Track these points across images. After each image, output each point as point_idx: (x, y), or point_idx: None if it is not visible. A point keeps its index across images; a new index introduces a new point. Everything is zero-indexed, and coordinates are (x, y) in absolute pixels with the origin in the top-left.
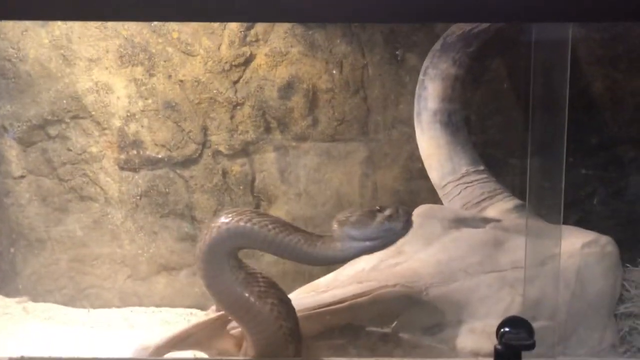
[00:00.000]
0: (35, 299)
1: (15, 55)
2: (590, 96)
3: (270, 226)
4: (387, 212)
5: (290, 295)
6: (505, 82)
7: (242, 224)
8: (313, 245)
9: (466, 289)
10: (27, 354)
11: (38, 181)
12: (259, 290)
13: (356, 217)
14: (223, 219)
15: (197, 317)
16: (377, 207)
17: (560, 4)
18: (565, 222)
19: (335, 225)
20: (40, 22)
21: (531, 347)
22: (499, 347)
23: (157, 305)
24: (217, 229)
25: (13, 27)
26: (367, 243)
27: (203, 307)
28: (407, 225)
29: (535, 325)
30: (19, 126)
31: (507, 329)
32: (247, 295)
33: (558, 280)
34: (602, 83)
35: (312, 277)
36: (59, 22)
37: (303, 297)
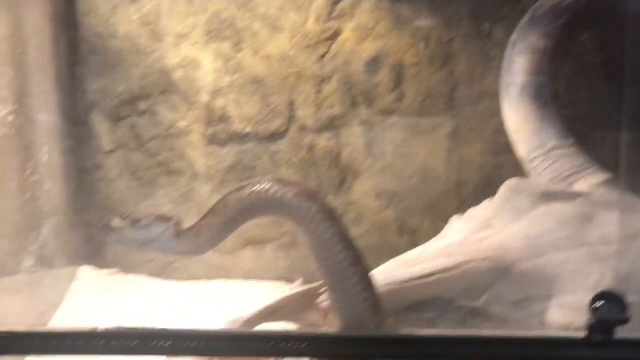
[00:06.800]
0: (125, 271)
1: (106, 32)
2: None
3: None
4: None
5: (380, 269)
6: (596, 55)
7: None
8: None
9: (555, 264)
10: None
11: (127, 156)
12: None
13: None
14: None
15: (283, 290)
16: None
17: None
18: None
19: None
20: None
21: (625, 321)
22: (592, 321)
23: (244, 279)
24: None
25: (103, 4)
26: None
27: (289, 280)
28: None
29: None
30: (109, 102)
31: (601, 304)
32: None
33: None
34: None
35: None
36: None
37: (393, 270)
